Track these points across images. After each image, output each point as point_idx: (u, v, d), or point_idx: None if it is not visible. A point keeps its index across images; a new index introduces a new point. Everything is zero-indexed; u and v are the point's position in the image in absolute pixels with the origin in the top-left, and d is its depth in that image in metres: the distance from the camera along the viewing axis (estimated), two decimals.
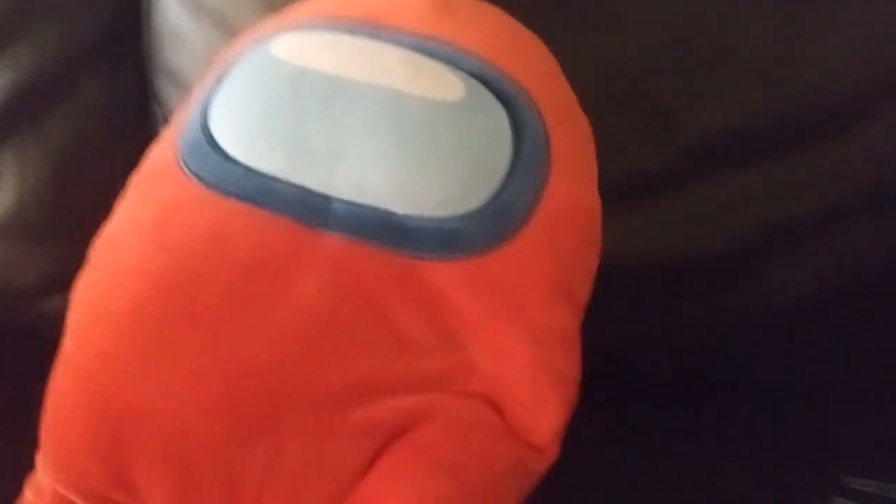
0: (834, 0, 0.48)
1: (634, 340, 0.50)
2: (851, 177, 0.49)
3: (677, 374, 0.49)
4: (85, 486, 0.33)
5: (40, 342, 0.37)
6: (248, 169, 0.34)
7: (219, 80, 0.37)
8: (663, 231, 0.50)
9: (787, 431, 0.44)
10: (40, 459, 0.35)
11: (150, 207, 0.35)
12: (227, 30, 0.52)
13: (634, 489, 0.41)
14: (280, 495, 0.32)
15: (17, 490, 0.36)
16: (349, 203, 0.33)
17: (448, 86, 0.35)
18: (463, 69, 0.35)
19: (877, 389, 0.46)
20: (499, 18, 0.39)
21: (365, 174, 0.33)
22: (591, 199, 0.37)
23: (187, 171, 0.35)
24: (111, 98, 0.56)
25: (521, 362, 0.34)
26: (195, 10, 0.53)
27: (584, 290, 0.37)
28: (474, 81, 0.35)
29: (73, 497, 0.34)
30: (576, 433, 0.35)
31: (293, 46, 0.36)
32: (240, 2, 0.51)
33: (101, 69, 0.56)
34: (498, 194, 0.34)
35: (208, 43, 0.52)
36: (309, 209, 0.33)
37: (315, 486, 0.32)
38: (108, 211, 0.39)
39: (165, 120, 0.57)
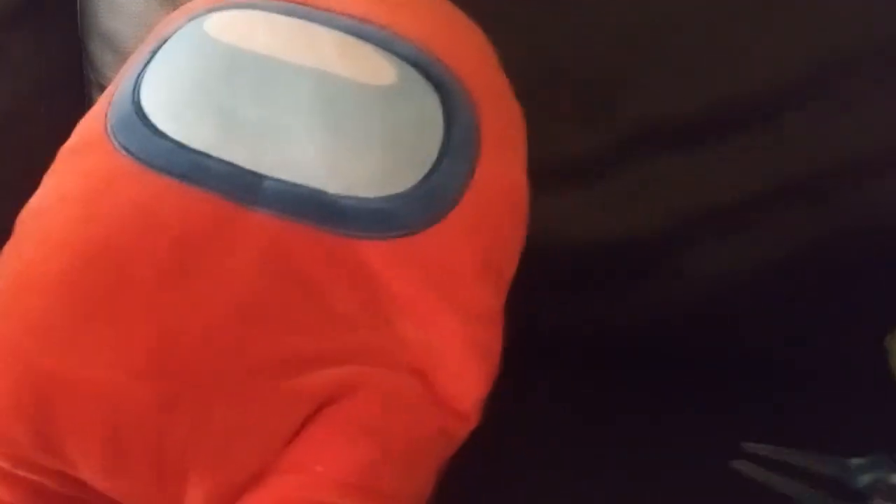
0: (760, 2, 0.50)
1: (567, 316, 0.52)
2: (771, 166, 0.51)
3: (609, 348, 0.51)
4: (12, 452, 0.33)
5: None
6: (178, 144, 0.34)
7: (152, 54, 0.37)
8: (595, 213, 0.51)
9: (699, 401, 0.46)
10: None
11: (78, 179, 0.35)
12: None
13: (561, 453, 0.43)
14: (205, 459, 0.33)
15: None
16: (280, 181, 0.34)
17: (381, 70, 0.35)
18: (397, 53, 0.36)
19: (782, 363, 0.50)
20: (435, 3, 0.40)
21: (297, 154, 0.34)
22: (519, 181, 0.39)
23: (117, 145, 0.35)
24: (40, 62, 0.55)
25: (448, 336, 0.35)
26: None
27: (510, 268, 0.38)
28: (407, 66, 0.36)
29: (1, 463, 0.34)
30: (502, 398, 0.37)
31: (227, 24, 0.36)
32: None
33: (29, 32, 0.55)
34: (428, 176, 0.35)
35: (146, 9, 0.52)
36: (239, 186, 0.34)
37: (241, 451, 0.33)
38: (37, 177, 0.39)
39: (100, 86, 0.56)
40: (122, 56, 0.53)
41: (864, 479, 0.39)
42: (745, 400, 0.46)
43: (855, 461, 0.40)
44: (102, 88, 0.55)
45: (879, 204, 0.51)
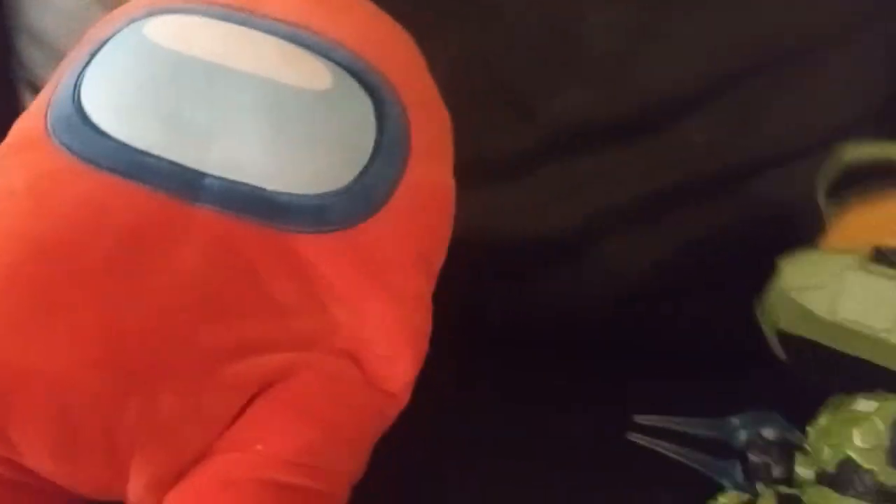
0: (672, 11, 0.54)
1: (493, 306, 0.56)
2: (674, 165, 0.55)
3: (534, 336, 0.55)
4: None
5: None
6: (121, 143, 0.35)
7: (91, 56, 0.38)
8: (518, 210, 0.55)
9: (597, 379, 0.49)
10: None
11: (22, 176, 0.36)
12: None
13: (481, 431, 0.46)
14: (153, 443, 0.34)
15: None
16: (223, 179, 0.35)
17: (318, 75, 0.37)
18: (332, 59, 0.38)
19: (685, 346, 0.54)
20: (368, 11, 0.42)
21: (238, 153, 0.36)
22: (446, 179, 0.42)
23: (58, 143, 0.36)
24: None
25: (380, 321, 0.38)
26: None
27: (438, 258, 0.41)
28: (342, 71, 0.38)
29: None
30: (431, 379, 0.39)
31: (169, 29, 0.37)
32: None
33: None
34: (362, 174, 0.37)
35: (77, 7, 0.52)
36: (182, 184, 0.35)
37: (188, 434, 0.34)
38: None
39: (28, 83, 0.55)
40: (51, 53, 0.53)
41: (742, 436, 0.43)
42: (637, 377, 0.49)
43: (733, 420, 0.43)
44: (32, 85, 0.55)
45: (762, 200, 0.56)
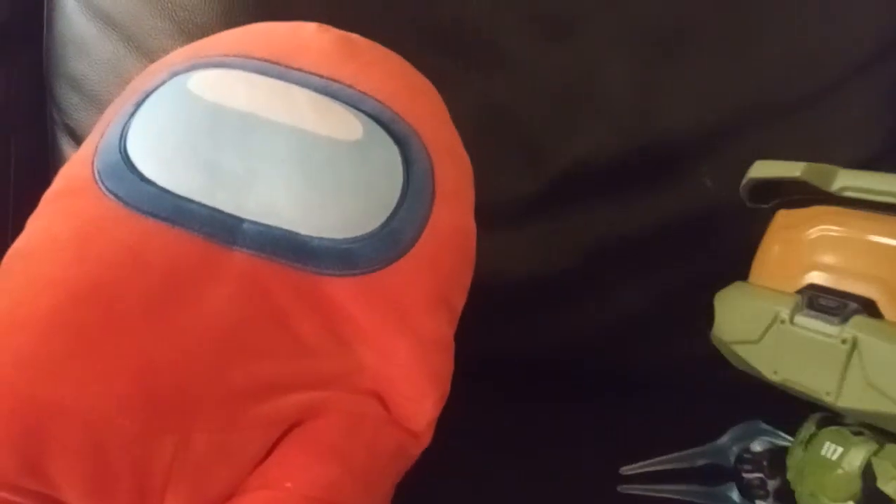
0: (684, 60, 0.56)
1: (508, 342, 0.57)
2: (681, 209, 0.57)
3: (547, 372, 0.56)
4: None
5: None
6: (164, 190, 0.37)
7: (136, 107, 0.39)
8: (533, 249, 0.56)
9: (596, 427, 0.49)
10: None
11: (67, 222, 0.37)
12: (135, 45, 0.54)
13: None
14: (186, 481, 0.35)
15: None
16: (258, 224, 0.37)
17: (349, 126, 0.39)
18: (362, 111, 0.40)
19: (681, 380, 0.55)
20: (395, 64, 0.44)
21: (273, 200, 0.37)
22: (468, 224, 0.43)
23: (105, 190, 0.37)
24: (7, 101, 0.56)
25: (404, 363, 0.39)
26: (101, 21, 0.54)
27: (460, 302, 0.42)
28: (372, 122, 0.39)
29: None
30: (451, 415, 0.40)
31: (210, 83, 0.39)
32: (149, 20, 0.53)
33: None
34: (389, 220, 0.38)
35: (114, 56, 0.54)
36: (220, 228, 0.36)
37: (219, 472, 0.35)
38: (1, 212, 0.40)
39: (65, 126, 0.57)
40: (88, 99, 0.56)
41: (731, 455, 0.42)
42: (636, 420, 0.48)
43: (719, 443, 0.43)
44: (68, 129, 0.57)
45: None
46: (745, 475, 0.42)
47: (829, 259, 0.41)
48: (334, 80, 0.40)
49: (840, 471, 0.38)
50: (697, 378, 0.54)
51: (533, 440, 0.47)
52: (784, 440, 0.42)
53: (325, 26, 0.43)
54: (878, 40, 0.58)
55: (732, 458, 0.43)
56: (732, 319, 0.44)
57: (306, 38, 0.42)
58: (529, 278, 0.56)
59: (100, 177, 0.38)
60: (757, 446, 0.42)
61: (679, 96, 0.56)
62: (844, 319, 0.38)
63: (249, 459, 0.36)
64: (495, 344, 0.55)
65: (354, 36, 0.44)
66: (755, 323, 0.42)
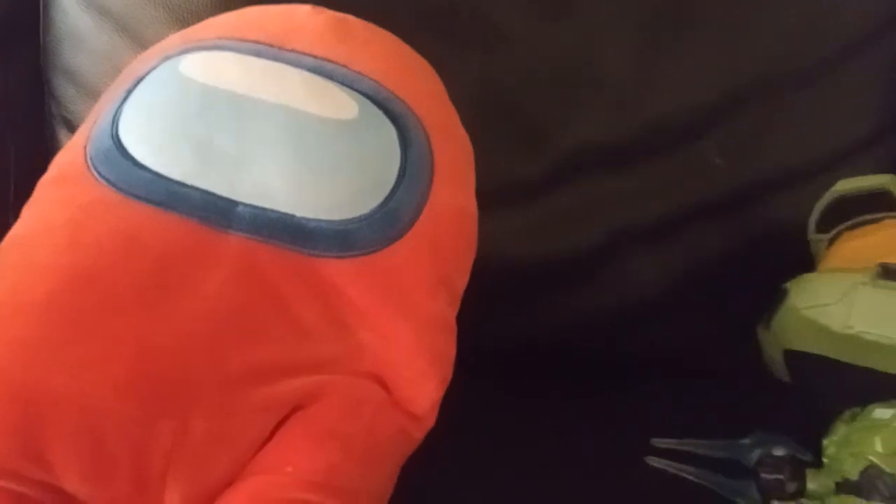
0: (681, 38, 0.56)
1: (514, 326, 0.56)
2: (687, 187, 0.56)
3: (546, 356, 0.55)
4: None
5: None
6: (157, 175, 0.36)
7: (128, 93, 0.39)
8: (532, 232, 0.56)
9: (613, 401, 0.50)
10: None
11: (61, 209, 0.37)
12: (130, 35, 0.54)
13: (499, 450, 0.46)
14: (186, 466, 0.35)
15: None
16: (253, 206, 0.36)
17: (344, 105, 0.39)
18: (357, 90, 0.39)
19: (698, 363, 0.55)
20: (390, 43, 0.43)
21: (268, 182, 0.37)
22: (469, 204, 0.42)
23: (98, 177, 0.37)
24: (5, 94, 0.56)
25: (405, 345, 0.38)
26: (96, 12, 0.54)
27: (461, 283, 0.42)
28: (367, 101, 0.39)
29: None
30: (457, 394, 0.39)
31: (202, 65, 0.39)
32: (144, 8, 0.53)
33: None
34: (387, 200, 0.38)
35: (110, 47, 0.54)
36: (215, 211, 0.36)
37: (218, 457, 0.35)
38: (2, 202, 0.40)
39: (63, 118, 0.57)
40: (85, 91, 0.56)
41: (754, 455, 0.43)
42: (653, 398, 0.50)
43: (743, 441, 0.44)
44: (66, 121, 0.57)
45: (769, 222, 0.57)
46: (765, 475, 0.43)
47: None
48: (328, 61, 0.40)
49: (891, 429, 0.40)
50: (707, 361, 0.53)
51: (542, 429, 0.47)
52: (804, 453, 0.44)
53: (318, 8, 0.43)
54: (877, 14, 0.58)
55: (754, 458, 0.44)
56: (808, 290, 0.47)
57: (300, 19, 0.42)
58: (532, 260, 0.56)
59: (92, 163, 0.37)
60: (780, 451, 0.44)
61: (679, 74, 0.56)
62: None
63: (249, 445, 0.36)
64: (499, 327, 0.55)
65: (348, 16, 0.43)
66: (834, 287, 0.45)
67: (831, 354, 0.44)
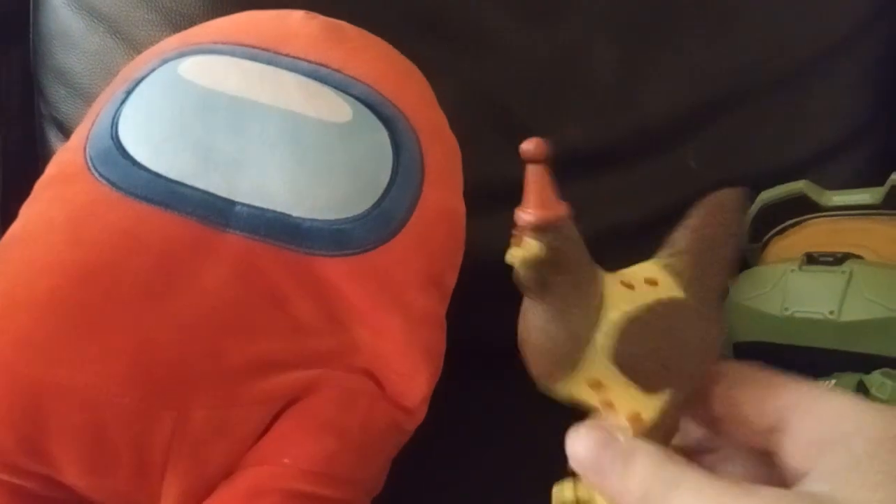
0: (665, 44, 0.57)
1: (494, 327, 0.57)
2: (668, 189, 0.58)
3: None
4: None
5: None
6: (156, 175, 0.37)
7: (126, 94, 0.40)
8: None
9: None
10: None
11: (62, 208, 0.38)
12: (122, 37, 0.54)
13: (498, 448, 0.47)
14: (185, 457, 0.35)
15: None
16: (250, 206, 0.37)
17: (338, 109, 0.40)
18: (351, 94, 0.40)
19: None
20: (382, 49, 0.45)
21: (265, 182, 0.38)
22: (458, 204, 0.44)
23: (98, 176, 0.37)
24: None
25: (397, 340, 0.39)
26: (87, 13, 0.54)
27: (451, 280, 0.43)
28: (361, 105, 0.40)
29: None
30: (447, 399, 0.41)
31: (201, 68, 0.39)
32: (136, 11, 0.53)
33: None
34: (380, 201, 0.39)
35: (102, 48, 0.54)
36: (213, 211, 0.37)
37: (217, 448, 0.36)
38: None
39: (52, 118, 0.58)
40: (75, 91, 0.56)
41: None
42: None
43: None
44: (55, 121, 0.58)
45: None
46: None
47: (822, 240, 0.50)
48: (322, 65, 0.41)
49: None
50: None
51: (530, 426, 0.48)
52: None
53: (312, 13, 0.44)
54: (852, 19, 0.60)
55: None
56: (745, 284, 0.50)
57: (294, 24, 0.43)
58: None
59: (92, 163, 0.38)
60: None
61: (663, 79, 0.57)
62: (840, 262, 0.47)
63: (247, 436, 0.37)
64: (488, 327, 0.55)
65: (341, 22, 0.44)
66: (767, 277, 0.49)
67: (774, 339, 0.48)
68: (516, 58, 0.56)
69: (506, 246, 0.26)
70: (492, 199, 0.56)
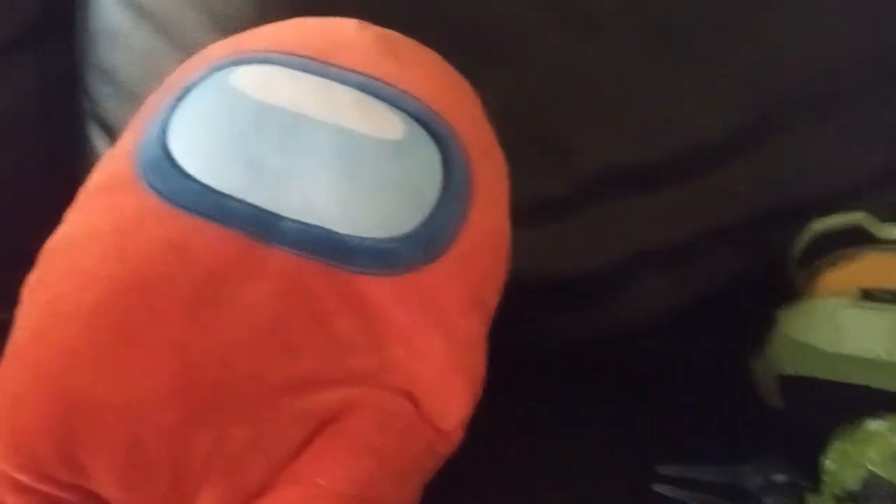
0: (707, 60, 0.56)
1: (534, 340, 0.57)
2: (708, 210, 0.57)
3: (570, 369, 0.56)
4: (35, 466, 0.35)
5: None
6: (205, 187, 0.37)
7: (177, 101, 0.40)
8: (561, 249, 0.56)
9: (619, 423, 0.50)
10: None
11: (108, 217, 0.38)
12: (170, 37, 0.53)
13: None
14: (222, 473, 0.35)
15: None
16: (298, 222, 0.37)
17: (391, 125, 0.39)
18: (403, 109, 0.40)
19: (709, 387, 0.55)
20: (435, 62, 0.44)
21: (313, 198, 0.37)
22: (504, 224, 0.43)
23: (146, 185, 0.37)
24: (38, 91, 0.57)
25: (437, 362, 0.39)
26: (135, 11, 0.54)
27: (493, 301, 0.42)
28: (412, 121, 0.40)
29: (21, 478, 0.36)
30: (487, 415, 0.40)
31: (253, 80, 0.39)
32: (184, 11, 0.53)
33: (29, 58, 0.56)
34: (428, 220, 0.38)
35: (148, 46, 0.54)
36: (260, 225, 0.37)
37: (254, 465, 0.36)
38: (33, 202, 0.40)
39: (95, 116, 0.58)
40: (119, 89, 0.56)
41: (756, 481, 0.45)
42: (656, 421, 0.51)
43: (744, 467, 0.46)
44: (98, 119, 0.57)
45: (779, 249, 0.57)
46: (768, 500, 0.44)
47: (878, 275, 0.49)
48: (375, 78, 0.40)
49: (883, 438, 0.43)
50: (703, 393, 0.54)
51: (551, 452, 0.48)
52: (802, 478, 0.45)
53: (364, 23, 0.43)
54: None
55: (756, 484, 0.45)
56: (796, 316, 0.49)
57: (347, 35, 0.42)
58: (557, 278, 0.56)
59: (141, 171, 0.38)
60: (780, 478, 0.45)
61: (704, 94, 0.56)
62: None
63: (284, 454, 0.37)
64: (522, 341, 0.55)
65: (394, 33, 0.44)
66: (820, 311, 0.48)
67: (824, 375, 0.47)
68: (556, 73, 0.55)
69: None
70: (532, 216, 0.56)
